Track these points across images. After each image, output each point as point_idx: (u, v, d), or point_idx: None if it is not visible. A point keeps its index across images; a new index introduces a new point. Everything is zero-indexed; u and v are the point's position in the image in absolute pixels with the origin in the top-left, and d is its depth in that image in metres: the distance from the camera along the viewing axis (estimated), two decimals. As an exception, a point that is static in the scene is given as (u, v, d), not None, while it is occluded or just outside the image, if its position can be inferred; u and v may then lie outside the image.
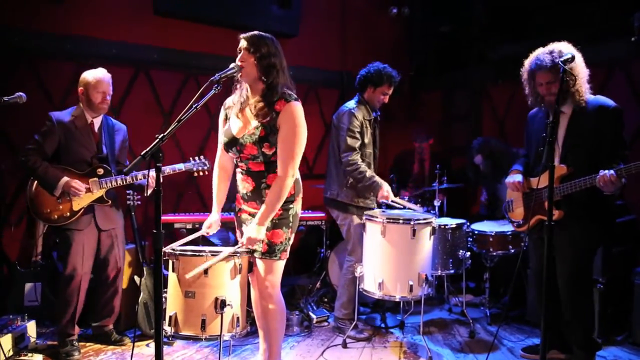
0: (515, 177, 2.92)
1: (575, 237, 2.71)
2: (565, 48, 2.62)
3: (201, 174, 3.21)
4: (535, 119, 2.95)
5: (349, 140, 3.36)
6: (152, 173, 2.97)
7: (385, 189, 3.30)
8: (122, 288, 3.41)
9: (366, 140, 3.45)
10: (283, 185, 2.34)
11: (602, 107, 2.63)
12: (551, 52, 2.63)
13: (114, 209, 3.18)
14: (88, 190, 2.99)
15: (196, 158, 3.21)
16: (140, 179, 3.09)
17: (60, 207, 2.97)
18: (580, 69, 2.63)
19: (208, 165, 3.21)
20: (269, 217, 2.36)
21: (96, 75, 3.04)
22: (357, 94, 3.53)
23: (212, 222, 2.62)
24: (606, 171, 2.47)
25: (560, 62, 2.35)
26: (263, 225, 2.36)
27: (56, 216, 2.97)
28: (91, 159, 3.05)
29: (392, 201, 3.37)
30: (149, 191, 3.06)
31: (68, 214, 2.98)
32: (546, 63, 2.61)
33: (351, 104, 3.50)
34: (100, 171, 3.05)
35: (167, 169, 3.08)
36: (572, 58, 2.38)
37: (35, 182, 2.99)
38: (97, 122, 3.13)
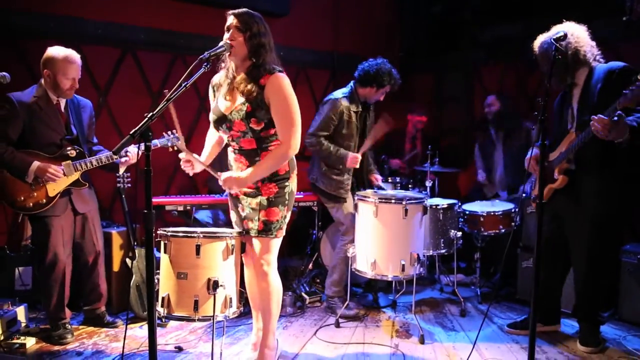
0: (528, 154, 2.93)
1: (587, 203, 2.72)
2: (565, 28, 2.62)
3: (176, 148, 2.97)
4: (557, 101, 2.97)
5: (317, 128, 3.41)
6: (129, 149, 2.92)
7: (351, 155, 3.38)
8: (114, 271, 3.39)
9: (344, 131, 3.44)
10: (285, 153, 2.34)
11: (609, 70, 2.64)
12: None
13: (88, 191, 3.07)
14: (62, 174, 2.83)
15: (169, 132, 2.99)
16: (116, 159, 2.94)
17: (35, 193, 2.81)
18: (583, 39, 2.66)
19: (181, 140, 3.09)
20: (257, 177, 2.36)
21: (66, 58, 2.80)
22: (352, 85, 3.50)
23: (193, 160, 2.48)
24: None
25: (552, 40, 2.35)
26: (247, 180, 2.35)
27: (31, 204, 2.81)
28: (60, 140, 2.88)
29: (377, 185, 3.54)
30: (123, 169, 3.01)
31: (44, 200, 2.82)
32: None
33: (338, 93, 3.49)
34: (73, 153, 2.89)
35: (141, 148, 2.84)
36: (564, 36, 2.40)
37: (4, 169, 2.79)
38: (62, 101, 2.93)
